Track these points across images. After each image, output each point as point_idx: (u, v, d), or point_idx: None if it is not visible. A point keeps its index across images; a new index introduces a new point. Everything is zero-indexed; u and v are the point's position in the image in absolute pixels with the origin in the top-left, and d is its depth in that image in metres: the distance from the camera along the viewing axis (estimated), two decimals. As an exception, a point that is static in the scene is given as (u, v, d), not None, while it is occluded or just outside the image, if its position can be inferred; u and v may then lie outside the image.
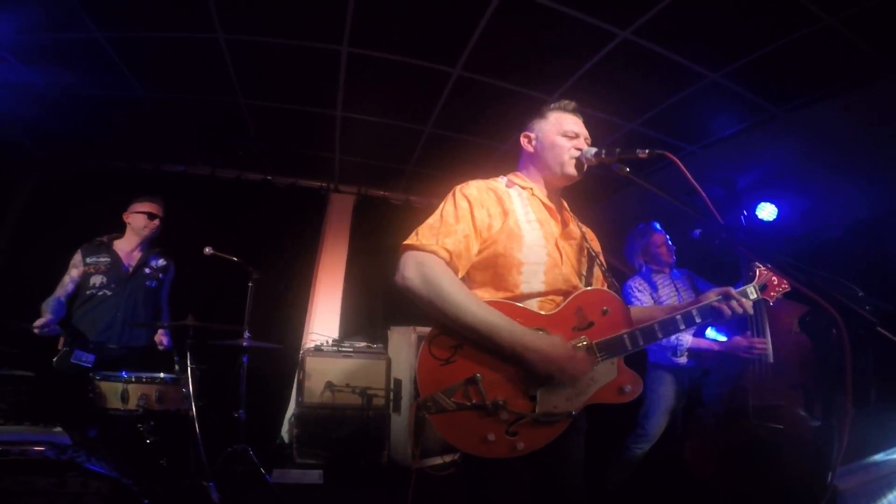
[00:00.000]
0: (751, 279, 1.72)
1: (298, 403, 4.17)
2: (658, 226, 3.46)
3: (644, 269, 3.46)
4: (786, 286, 1.73)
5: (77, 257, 3.07)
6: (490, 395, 1.37)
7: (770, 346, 2.87)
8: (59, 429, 1.78)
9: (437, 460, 2.99)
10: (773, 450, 2.64)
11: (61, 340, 2.88)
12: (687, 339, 3.07)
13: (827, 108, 3.19)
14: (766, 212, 4.16)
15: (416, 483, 1.66)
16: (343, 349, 4.34)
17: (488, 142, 4.22)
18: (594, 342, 1.48)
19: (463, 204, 1.54)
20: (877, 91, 2.97)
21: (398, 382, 4.26)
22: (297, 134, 4.31)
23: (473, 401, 1.36)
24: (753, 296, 1.66)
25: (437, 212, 1.56)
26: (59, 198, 4.40)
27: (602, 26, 2.73)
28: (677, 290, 3.32)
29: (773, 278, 1.72)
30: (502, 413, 1.37)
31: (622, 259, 3.69)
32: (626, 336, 1.50)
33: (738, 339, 2.96)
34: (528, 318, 1.46)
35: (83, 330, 2.93)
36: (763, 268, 1.72)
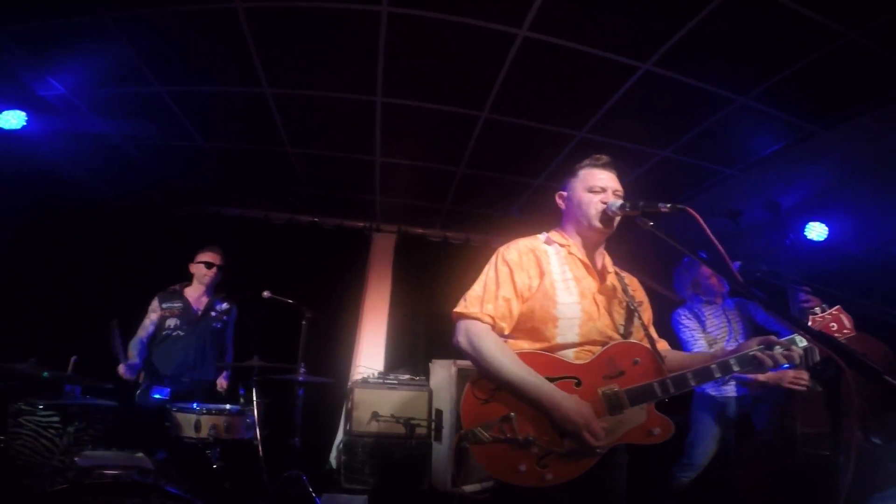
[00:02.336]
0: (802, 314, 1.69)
1: (346, 432, 4.34)
2: (705, 256, 3.42)
3: (694, 299, 3.40)
4: (848, 331, 1.62)
5: (154, 303, 3.46)
6: (522, 432, 1.52)
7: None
8: (141, 454, 2.01)
9: (476, 486, 3.07)
10: (823, 475, 2.55)
11: (141, 375, 3.24)
12: None
13: (868, 123, 3.13)
14: (816, 231, 4.04)
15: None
16: (388, 381, 4.51)
17: (520, 178, 4.35)
18: (623, 389, 1.58)
19: (504, 269, 1.71)
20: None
21: (439, 413, 4.36)
22: (340, 178, 4.62)
23: (508, 435, 1.52)
24: (803, 344, 1.61)
25: (482, 277, 1.74)
26: (134, 240, 4.88)
27: (623, 61, 2.83)
28: (728, 320, 3.26)
29: (832, 324, 1.64)
30: (533, 447, 1.51)
31: (669, 287, 3.65)
32: (656, 384, 1.59)
33: (784, 370, 2.89)
34: (561, 367, 1.60)
35: (159, 366, 3.30)
36: (820, 315, 1.66)
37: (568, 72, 2.95)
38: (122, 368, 2.99)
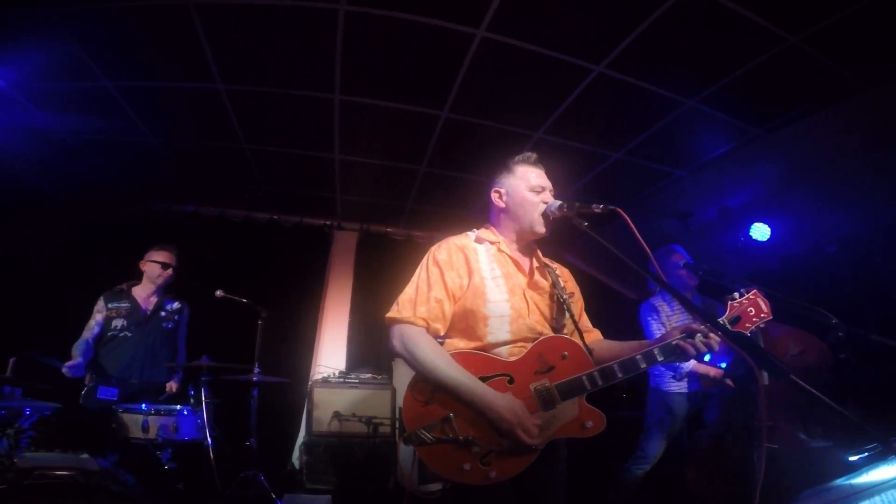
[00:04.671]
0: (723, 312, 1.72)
1: (308, 432, 4.28)
2: (679, 247, 3.47)
3: (662, 291, 3.46)
4: (765, 315, 1.67)
5: (100, 303, 3.34)
6: (463, 432, 1.56)
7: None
8: (86, 455, 1.95)
9: (432, 487, 3.12)
10: (770, 468, 2.67)
11: (87, 377, 3.13)
12: (689, 363, 3.11)
13: (806, 126, 3.30)
14: (760, 232, 4.23)
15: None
16: (349, 380, 4.47)
17: (481, 178, 4.39)
18: (554, 384, 1.61)
19: (434, 270, 1.74)
20: (853, 107, 3.07)
21: (402, 411, 4.34)
22: (298, 176, 4.55)
23: (449, 436, 1.55)
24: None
25: (414, 280, 1.76)
26: (78, 240, 4.68)
27: (577, 63, 2.91)
28: (693, 318, 3.35)
29: (750, 309, 1.67)
30: (474, 447, 1.55)
31: (623, 284, 3.74)
32: (584, 378, 1.61)
33: (710, 367, 3.05)
34: (493, 365, 1.64)
35: (107, 367, 3.19)
36: (738, 300, 1.69)
37: (525, 73, 3.01)
38: (67, 363, 2.89)
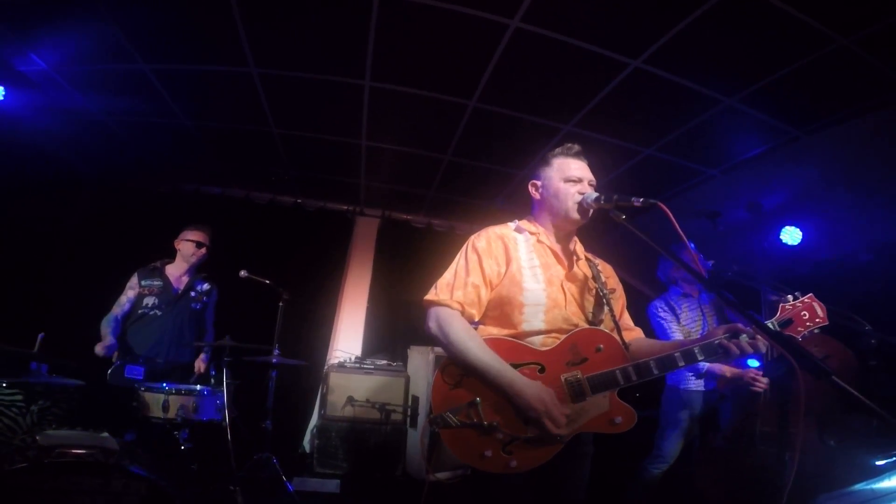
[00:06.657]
0: (772, 314, 1.62)
1: (321, 416, 4.34)
2: (693, 246, 3.42)
3: (672, 289, 3.41)
4: (820, 320, 1.58)
5: (133, 279, 3.38)
6: (487, 417, 1.54)
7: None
8: (106, 434, 1.98)
9: (448, 473, 3.13)
10: (778, 475, 2.63)
11: (115, 355, 3.17)
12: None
13: (849, 130, 3.16)
14: (791, 235, 4.11)
15: (429, 491, 1.81)
16: (365, 366, 4.52)
17: (506, 169, 4.35)
18: (586, 376, 1.59)
19: (473, 257, 1.74)
20: (899, 112, 2.91)
21: (416, 399, 4.39)
22: (324, 161, 4.56)
23: (474, 420, 1.54)
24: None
25: (453, 266, 1.77)
26: (109, 217, 4.77)
27: (613, 56, 2.82)
28: (703, 315, 3.28)
29: (804, 313, 1.58)
30: (497, 433, 1.53)
31: (643, 280, 3.67)
32: (618, 372, 1.59)
33: (745, 369, 2.98)
34: (525, 352, 1.62)
35: (134, 345, 3.23)
36: (791, 303, 1.60)
37: (558, 65, 2.94)
38: (99, 348, 2.94)
